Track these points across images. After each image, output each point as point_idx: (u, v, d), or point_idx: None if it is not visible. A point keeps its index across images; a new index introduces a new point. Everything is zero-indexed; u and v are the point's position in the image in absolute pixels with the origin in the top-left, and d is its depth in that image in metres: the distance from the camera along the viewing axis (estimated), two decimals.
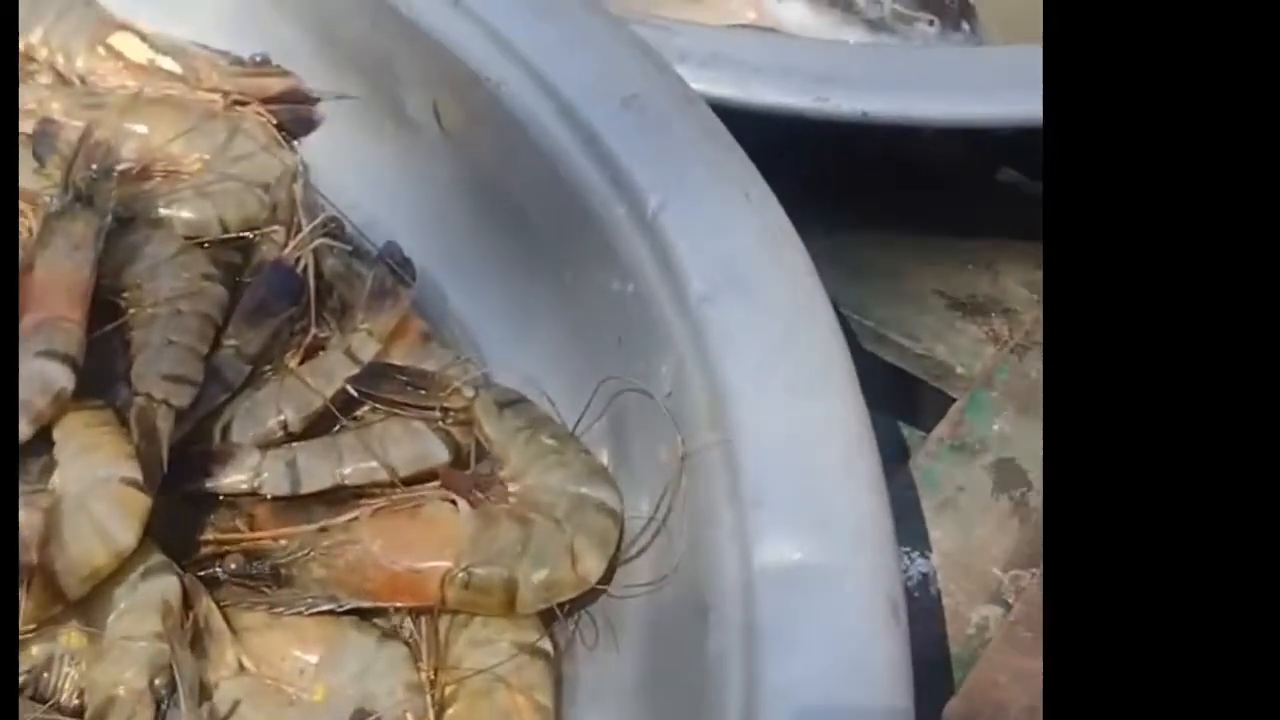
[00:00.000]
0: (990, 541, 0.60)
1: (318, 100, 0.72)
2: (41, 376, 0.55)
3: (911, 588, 0.59)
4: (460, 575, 0.54)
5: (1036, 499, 0.62)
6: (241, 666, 0.54)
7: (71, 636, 0.54)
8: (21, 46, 0.72)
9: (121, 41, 0.73)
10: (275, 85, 0.72)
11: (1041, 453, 0.63)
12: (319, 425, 0.61)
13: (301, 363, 0.62)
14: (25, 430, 0.54)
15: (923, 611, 0.58)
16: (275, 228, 0.67)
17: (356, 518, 0.56)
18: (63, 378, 0.56)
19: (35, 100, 0.70)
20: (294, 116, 0.72)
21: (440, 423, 0.60)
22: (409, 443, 0.59)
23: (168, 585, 0.54)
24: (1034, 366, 0.67)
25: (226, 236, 0.67)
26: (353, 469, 0.58)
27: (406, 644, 0.55)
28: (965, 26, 0.78)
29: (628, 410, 0.57)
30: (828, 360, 0.53)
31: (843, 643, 0.46)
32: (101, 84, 0.73)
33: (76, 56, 0.73)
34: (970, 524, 0.61)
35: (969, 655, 0.57)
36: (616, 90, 0.61)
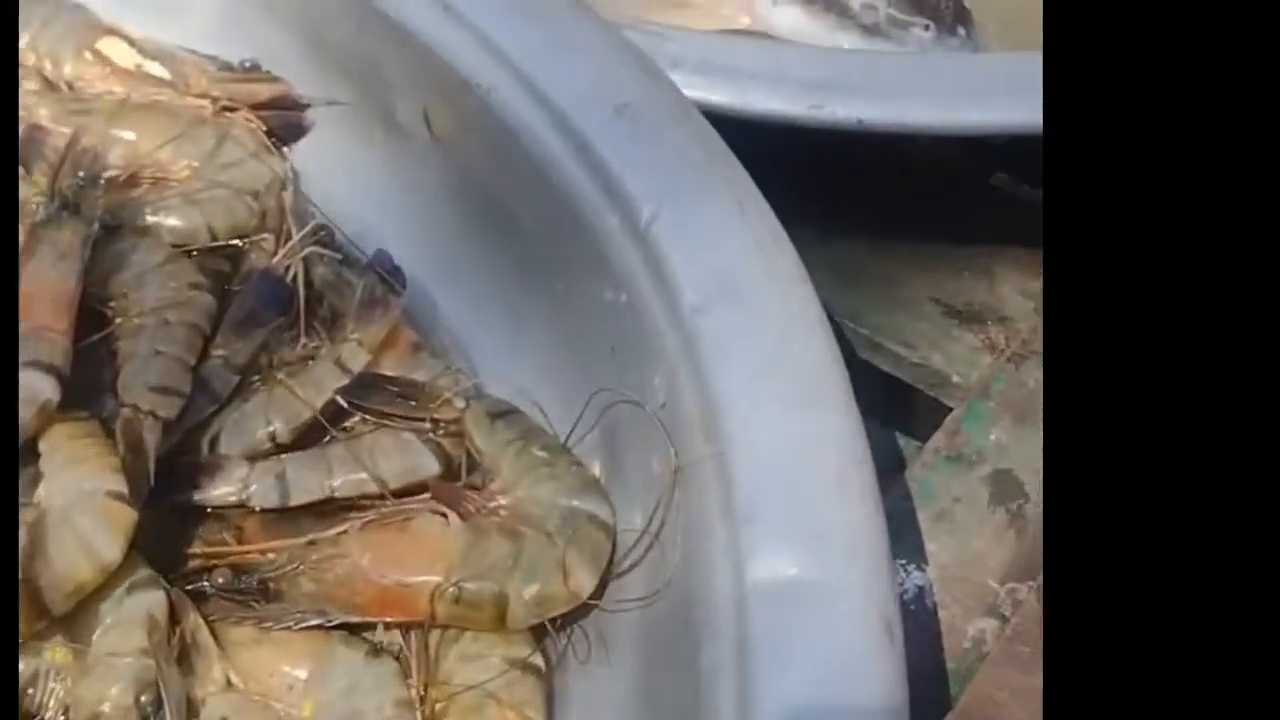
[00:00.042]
0: (987, 554, 0.60)
1: (307, 106, 0.71)
2: (27, 388, 0.55)
3: (907, 601, 0.58)
4: (450, 590, 0.53)
5: (1033, 511, 0.61)
6: (229, 682, 0.54)
7: (57, 652, 0.53)
8: None
9: (109, 46, 0.73)
10: (264, 91, 0.72)
11: (1039, 463, 0.62)
12: (308, 436, 0.60)
13: (291, 373, 0.62)
14: None
15: (918, 625, 0.57)
16: (264, 236, 0.66)
17: (346, 531, 0.55)
18: (48, 389, 0.56)
19: (22, 106, 0.70)
20: (283, 122, 0.71)
21: (431, 434, 0.59)
22: (399, 455, 0.59)
23: (154, 600, 0.54)
24: (1031, 376, 0.66)
25: (215, 245, 0.66)
26: (342, 481, 0.58)
27: (396, 659, 0.55)
28: (961, 31, 0.77)
29: (620, 421, 0.57)
30: (822, 371, 0.53)
31: (836, 661, 0.46)
32: (89, 89, 0.72)
33: (64, 62, 0.72)
34: (967, 536, 0.60)
35: (965, 669, 0.56)
36: (609, 98, 0.60)
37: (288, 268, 0.64)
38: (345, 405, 0.60)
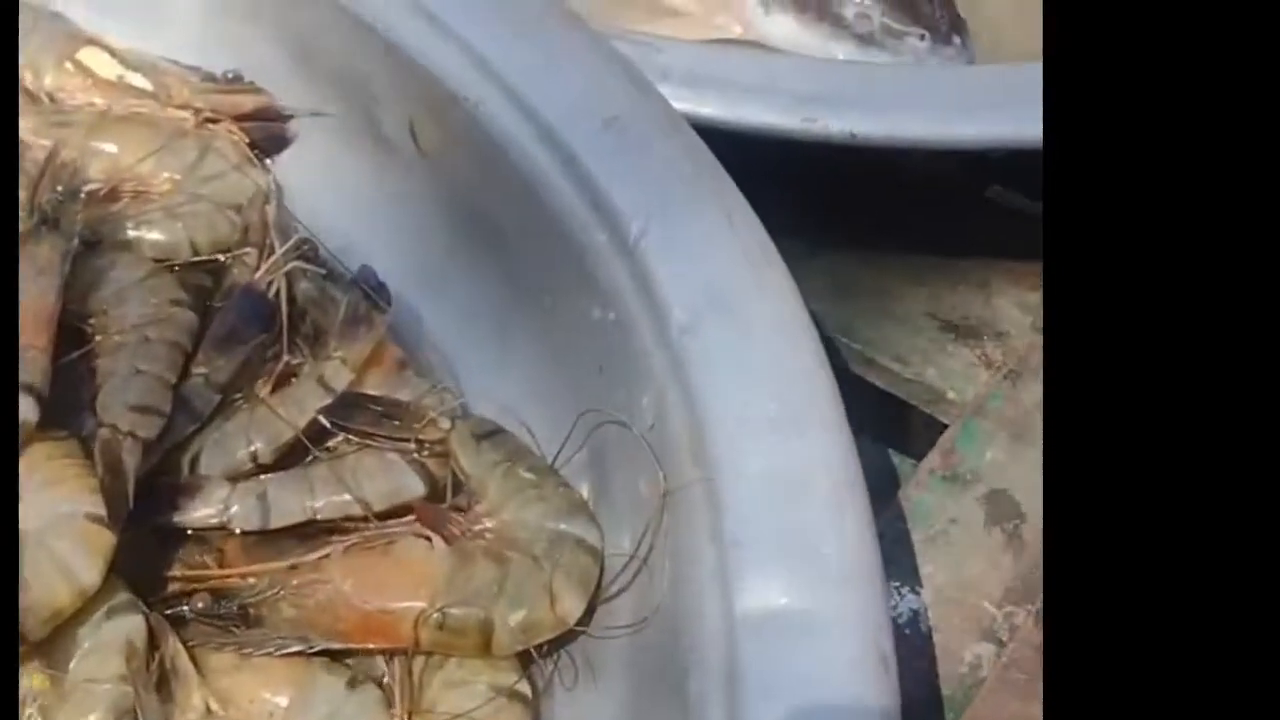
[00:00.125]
0: (983, 576, 0.59)
1: (291, 117, 0.70)
2: None
3: (902, 624, 0.57)
4: (435, 616, 0.52)
5: (1030, 532, 0.60)
6: (208, 709, 0.53)
7: (34, 678, 0.52)
8: None
9: (90, 57, 0.72)
10: (248, 102, 0.70)
11: (1035, 483, 0.61)
12: (291, 457, 0.59)
13: (273, 391, 0.61)
14: None
15: (913, 650, 0.56)
16: (247, 250, 0.65)
17: (328, 555, 0.54)
18: (26, 408, 0.54)
19: None
20: (267, 134, 0.70)
21: (416, 455, 0.58)
22: (383, 476, 0.58)
23: (133, 625, 0.53)
24: (1027, 393, 0.65)
25: (197, 259, 0.65)
26: (325, 503, 0.57)
27: (379, 686, 0.53)
28: (956, 40, 0.76)
29: (608, 442, 0.56)
30: (813, 391, 0.52)
31: (828, 692, 0.45)
32: (70, 101, 0.70)
33: (44, 73, 0.71)
34: (962, 558, 0.59)
35: (962, 695, 0.55)
36: (597, 111, 0.59)
37: (270, 283, 0.63)
38: (328, 425, 0.59)
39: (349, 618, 0.53)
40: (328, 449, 0.59)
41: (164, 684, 0.52)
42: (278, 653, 0.53)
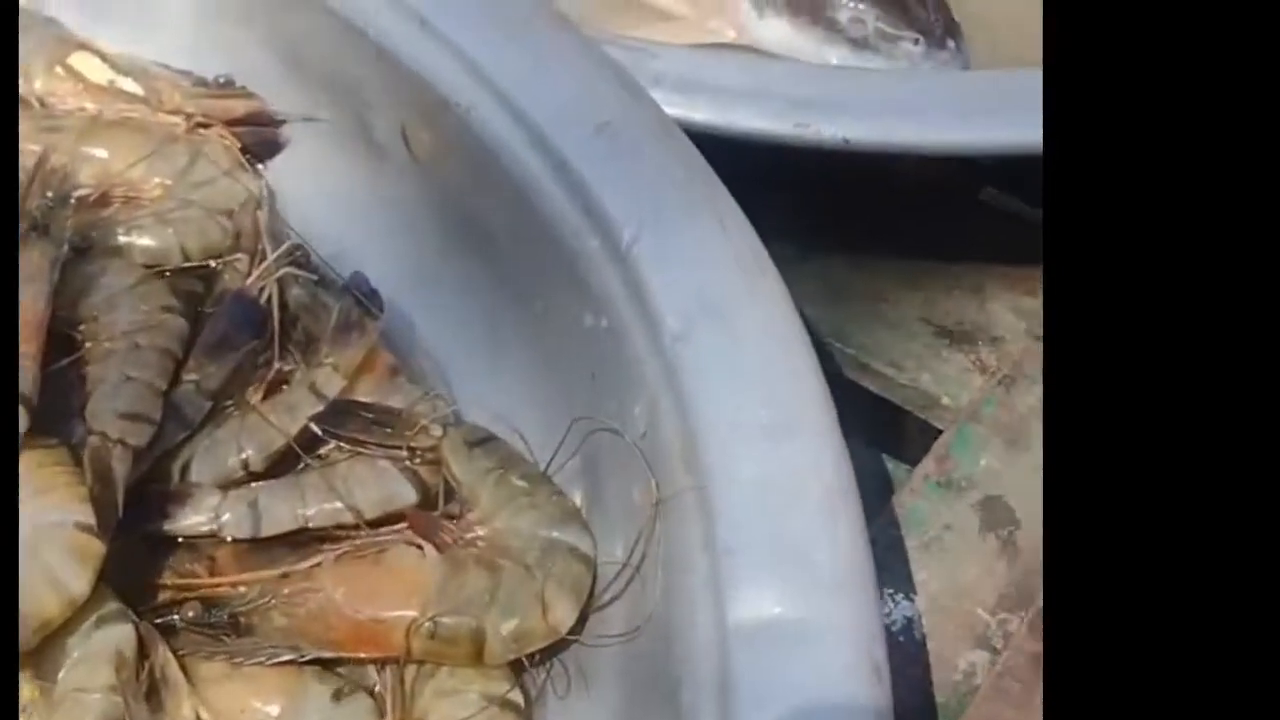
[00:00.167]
0: (977, 583, 0.59)
1: (283, 122, 0.70)
2: None
3: (895, 632, 0.57)
4: (426, 625, 0.52)
5: (1024, 538, 0.60)
6: (199, 719, 0.52)
7: (23, 688, 0.52)
8: None
9: (81, 62, 0.71)
10: (239, 107, 0.70)
11: (1030, 489, 0.61)
12: (282, 464, 0.59)
13: (264, 398, 0.60)
14: None
15: (907, 657, 0.56)
16: (238, 256, 0.65)
17: (319, 563, 0.54)
18: None
19: None
20: (258, 139, 0.70)
21: (408, 462, 0.58)
22: (375, 483, 0.57)
23: (122, 635, 0.52)
24: (1022, 399, 0.65)
25: (188, 265, 0.65)
26: (316, 510, 0.57)
27: (371, 695, 0.53)
28: (951, 44, 0.76)
29: (601, 449, 0.56)
30: (805, 399, 0.51)
31: (821, 702, 0.44)
32: (60, 106, 0.70)
33: (35, 77, 0.71)
34: (957, 564, 0.59)
35: (955, 703, 0.55)
36: (589, 117, 0.59)
37: (262, 289, 0.63)
38: (320, 432, 0.59)
39: (340, 626, 0.53)
40: (319, 456, 0.59)
41: (154, 693, 0.52)
42: (269, 662, 0.53)
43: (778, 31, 0.77)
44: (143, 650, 0.52)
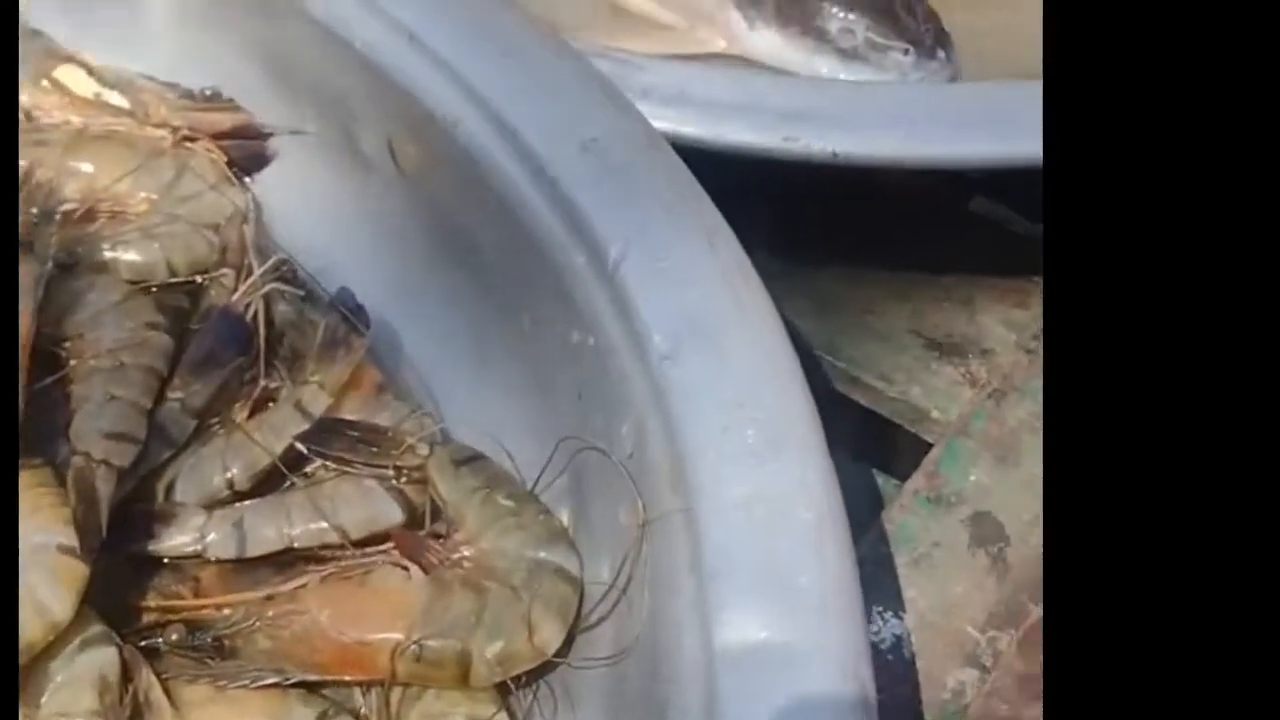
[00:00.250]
0: (966, 599, 0.58)
1: (270, 135, 0.70)
2: None
3: (884, 650, 0.57)
4: (412, 648, 0.52)
5: (1014, 554, 0.60)
6: None
7: None
8: None
9: (67, 75, 0.71)
10: (226, 120, 0.70)
11: (1019, 505, 0.61)
12: (268, 483, 0.58)
13: (250, 416, 0.60)
14: None
15: (895, 676, 0.56)
16: (224, 271, 0.64)
17: (305, 585, 0.54)
18: None
19: None
20: (245, 152, 0.70)
21: (394, 482, 0.57)
22: (361, 503, 0.57)
23: (106, 658, 0.52)
24: (1012, 412, 0.65)
25: (174, 281, 0.64)
26: (302, 530, 0.56)
27: (356, 718, 0.53)
28: (941, 55, 0.76)
29: (588, 468, 0.55)
30: (792, 419, 0.51)
31: None
32: (46, 119, 0.70)
33: (21, 90, 0.70)
34: (946, 581, 0.59)
35: None
36: (577, 132, 0.58)
37: (248, 305, 0.62)
38: (305, 451, 0.59)
39: (325, 649, 0.53)
40: (305, 475, 0.59)
41: (137, 717, 0.51)
42: (253, 685, 0.53)
43: (768, 41, 0.77)
44: (126, 674, 0.52)
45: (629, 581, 0.51)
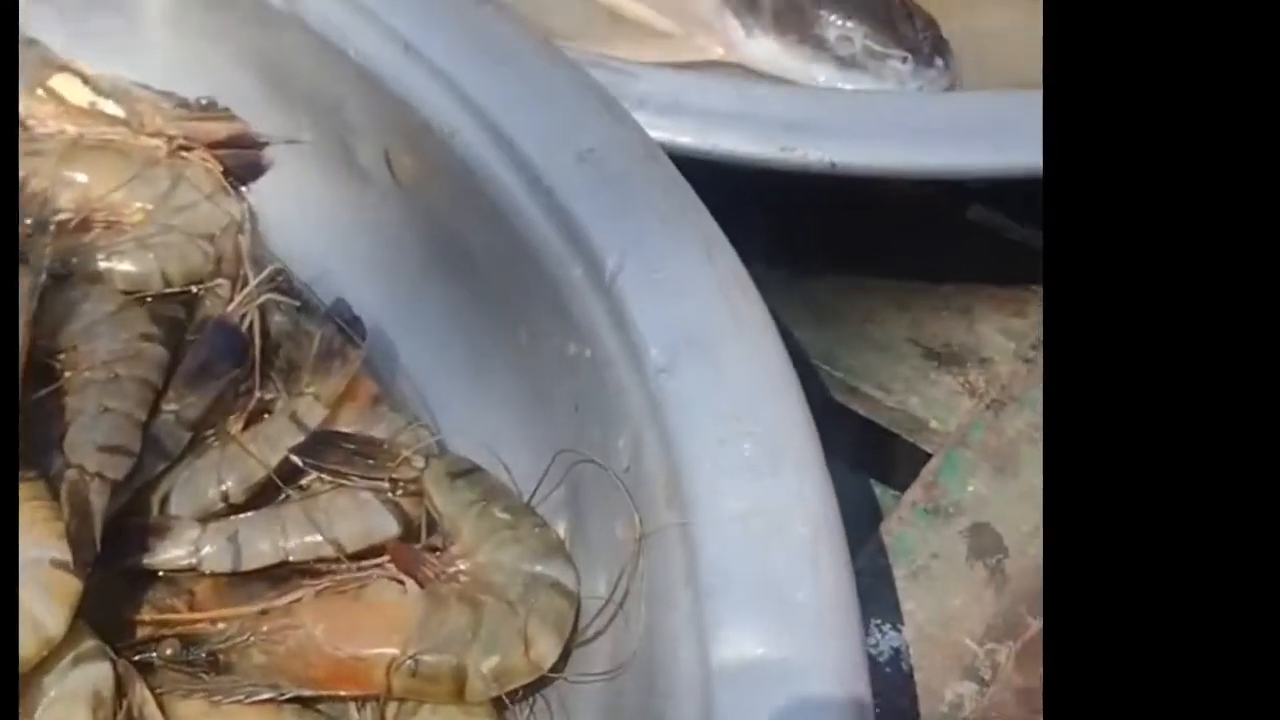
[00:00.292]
0: (964, 611, 0.58)
1: (265, 145, 0.69)
2: None
3: (882, 663, 0.56)
4: (407, 663, 0.52)
5: (1012, 566, 0.59)
6: None
7: None
8: None
9: (62, 84, 0.71)
10: (221, 129, 0.69)
11: (1018, 516, 0.61)
12: (262, 496, 0.58)
13: (245, 428, 0.60)
14: None
15: (894, 689, 0.56)
16: (220, 281, 0.64)
17: (299, 599, 0.53)
18: None
19: None
20: (241, 162, 0.69)
21: (389, 494, 0.57)
22: (356, 516, 0.57)
23: (100, 674, 0.51)
24: (1010, 423, 0.64)
25: (169, 291, 0.64)
26: (297, 543, 0.56)
27: None
28: (939, 62, 0.75)
29: (585, 481, 0.55)
30: (790, 432, 0.51)
31: None
32: (40, 129, 0.70)
33: None
34: (944, 593, 0.59)
35: None
36: (573, 143, 0.58)
37: (243, 316, 0.62)
38: (301, 464, 0.58)
39: (320, 664, 0.53)
40: (300, 488, 0.58)
41: None
42: (247, 700, 0.52)
43: (766, 49, 0.77)
44: (120, 689, 0.52)
45: (625, 596, 0.51)
